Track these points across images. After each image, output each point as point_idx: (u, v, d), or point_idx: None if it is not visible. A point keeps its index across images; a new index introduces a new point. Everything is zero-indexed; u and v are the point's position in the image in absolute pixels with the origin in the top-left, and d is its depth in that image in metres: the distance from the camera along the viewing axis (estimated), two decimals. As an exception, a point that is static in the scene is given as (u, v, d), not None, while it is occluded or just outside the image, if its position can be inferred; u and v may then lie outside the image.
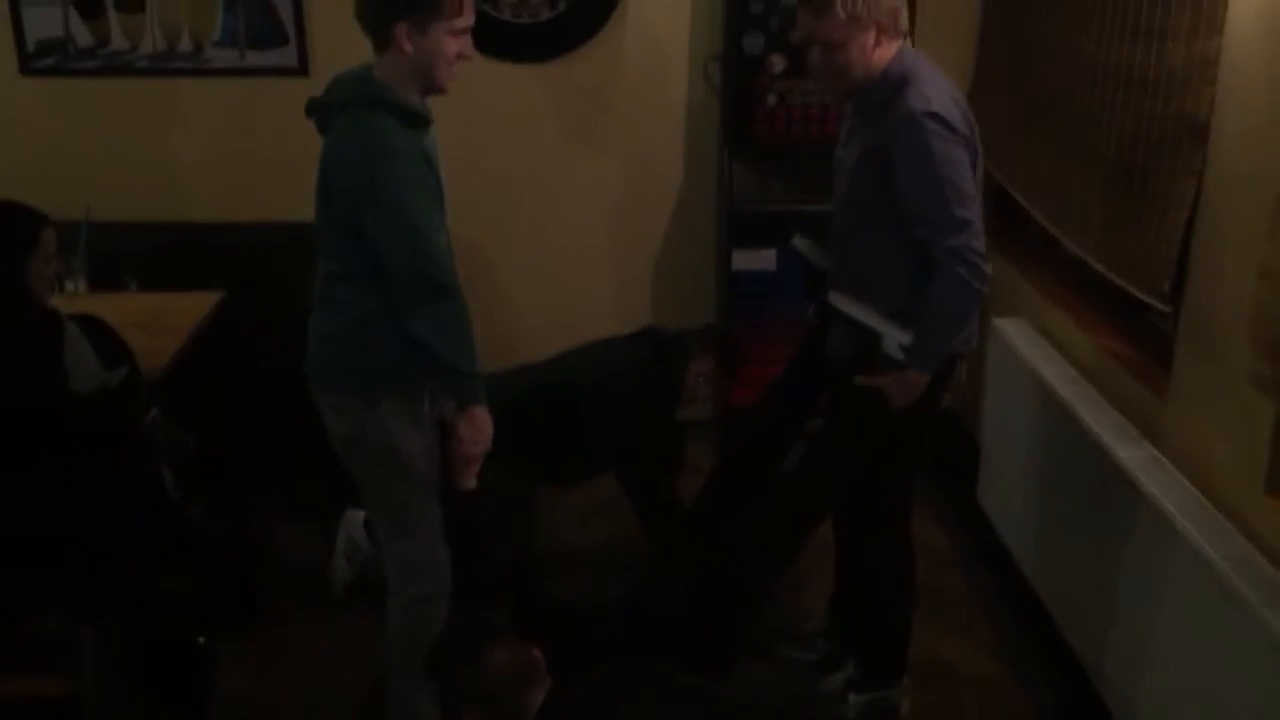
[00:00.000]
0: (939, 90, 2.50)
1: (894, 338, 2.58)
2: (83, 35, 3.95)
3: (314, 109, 2.40)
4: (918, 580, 2.92)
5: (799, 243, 2.89)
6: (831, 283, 2.73)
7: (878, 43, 2.46)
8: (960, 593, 3.42)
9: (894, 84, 2.49)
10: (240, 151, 4.06)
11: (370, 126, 2.27)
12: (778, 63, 3.85)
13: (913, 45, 3.56)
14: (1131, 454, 2.67)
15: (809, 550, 2.97)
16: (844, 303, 2.66)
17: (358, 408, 2.42)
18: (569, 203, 4.18)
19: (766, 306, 3.89)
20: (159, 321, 3.28)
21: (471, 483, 2.44)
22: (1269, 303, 2.18)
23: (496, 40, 3.89)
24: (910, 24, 3.67)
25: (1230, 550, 2.29)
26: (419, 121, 2.35)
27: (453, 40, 2.33)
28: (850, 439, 2.73)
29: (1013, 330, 3.45)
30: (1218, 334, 2.45)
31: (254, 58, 3.99)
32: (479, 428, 2.39)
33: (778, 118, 3.90)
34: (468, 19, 2.35)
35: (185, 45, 3.97)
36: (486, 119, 4.00)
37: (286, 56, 3.98)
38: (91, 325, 2.63)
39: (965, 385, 4.07)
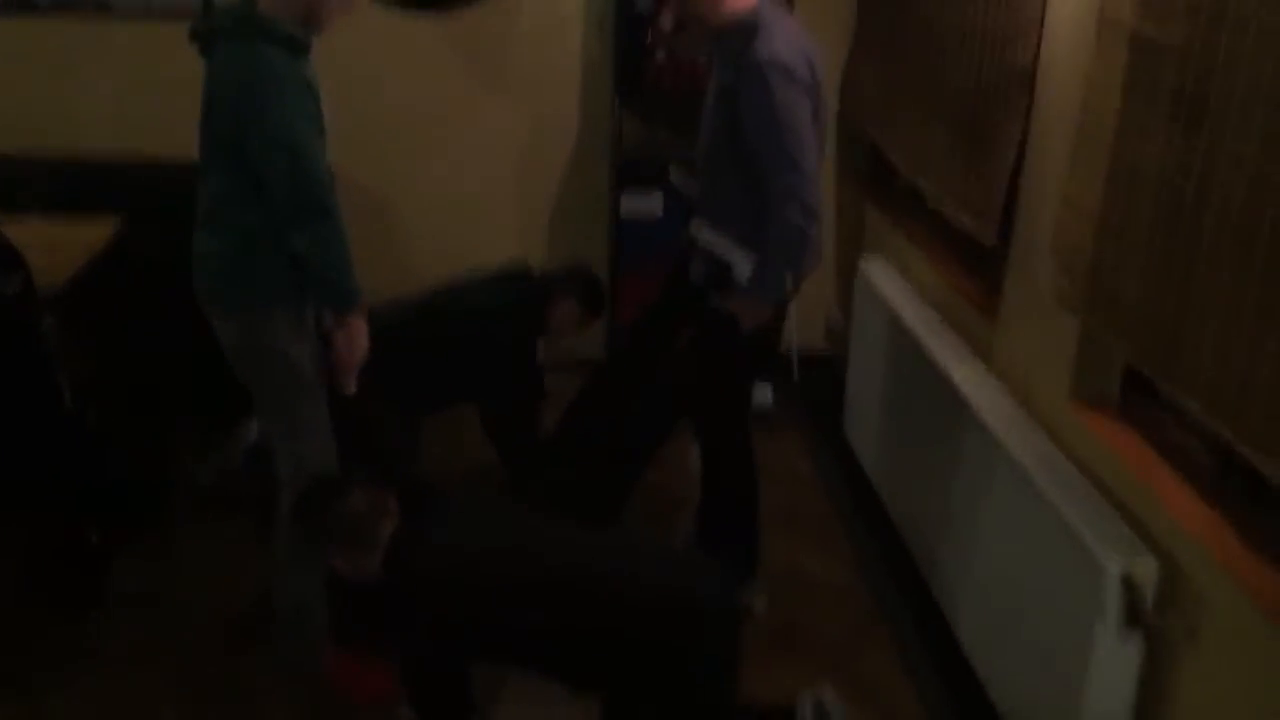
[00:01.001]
0: (785, 40, 2.73)
1: (744, 266, 2.82)
2: (-15, -29, 4.02)
3: (198, 35, 2.52)
4: (759, 491, 3.16)
5: (673, 174, 3.12)
6: (695, 211, 2.96)
7: None
8: (823, 514, 3.68)
9: (746, 32, 2.73)
10: (140, 87, 4.15)
11: (254, 53, 2.39)
12: (667, 20, 4.05)
13: (792, 8, 3.83)
14: (963, 373, 2.94)
15: (680, 481, 3.21)
16: (702, 231, 2.90)
17: (246, 319, 2.57)
18: (468, 149, 4.35)
19: (652, 249, 4.10)
20: (59, 243, 3.39)
21: (351, 388, 2.63)
22: (1068, 225, 2.44)
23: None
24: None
25: (1039, 452, 2.56)
26: (300, 49, 2.47)
27: None
28: (706, 361, 2.97)
29: (876, 269, 3.71)
30: (1038, 262, 2.71)
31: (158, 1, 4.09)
32: (354, 337, 2.57)
33: (665, 72, 4.10)
34: None
35: (90, -15, 4.06)
36: (389, 66, 4.14)
37: (192, -2, 4.08)
38: (-16, 235, 2.75)
39: (839, 325, 4.35)
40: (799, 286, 2.90)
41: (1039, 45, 2.72)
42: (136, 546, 3.24)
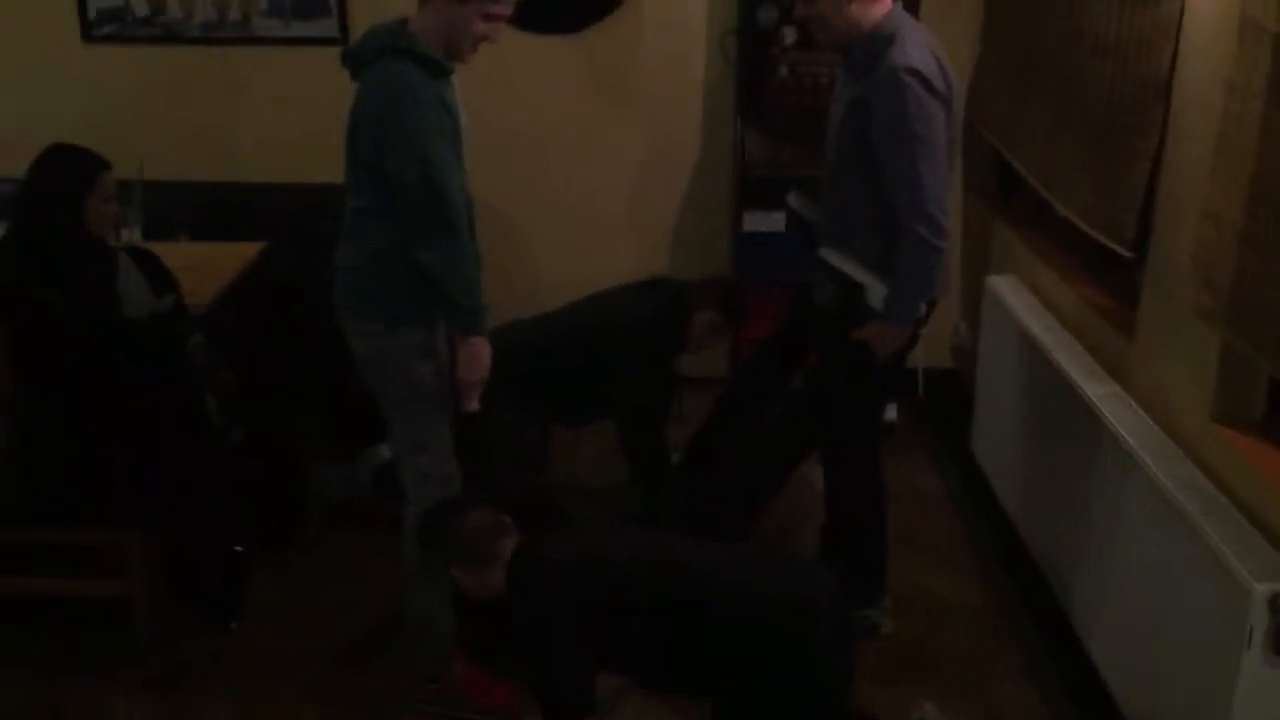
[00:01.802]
0: (922, 49, 2.70)
1: (877, 290, 2.77)
2: (140, 5, 4.24)
3: (349, 57, 2.63)
4: (889, 510, 3.12)
5: (791, 198, 3.08)
6: (820, 236, 2.93)
7: (865, 3, 2.67)
8: (950, 532, 3.63)
9: (881, 42, 2.69)
10: (283, 116, 4.33)
11: (396, 73, 2.49)
12: (789, 35, 4.04)
13: (918, 18, 3.79)
14: (1099, 392, 2.86)
15: (803, 498, 3.20)
16: (831, 255, 2.85)
17: (378, 333, 2.65)
18: (593, 167, 4.42)
19: (775, 267, 4.09)
20: (206, 267, 3.55)
21: (474, 406, 2.67)
22: (1209, 238, 2.37)
23: (524, 12, 4.09)
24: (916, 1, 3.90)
25: (1178, 474, 2.47)
26: (440, 71, 2.56)
27: (482, 21, 2.55)
28: (839, 385, 2.93)
29: (1005, 286, 3.64)
30: (1175, 277, 2.63)
31: (299, 28, 4.26)
32: (476, 356, 2.60)
33: (789, 88, 4.09)
34: (503, 8, 2.57)
35: (235, 15, 4.26)
36: (516, 87, 4.24)
37: (328, 27, 4.25)
38: (143, 257, 2.91)
39: (966, 342, 4.28)
40: (933, 308, 2.86)
41: (1175, 53, 2.64)
42: (275, 559, 3.36)
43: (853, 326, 2.81)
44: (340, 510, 3.64)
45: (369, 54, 2.58)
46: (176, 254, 3.47)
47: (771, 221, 4.12)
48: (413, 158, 2.47)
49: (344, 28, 4.23)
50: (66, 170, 2.80)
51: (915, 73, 2.63)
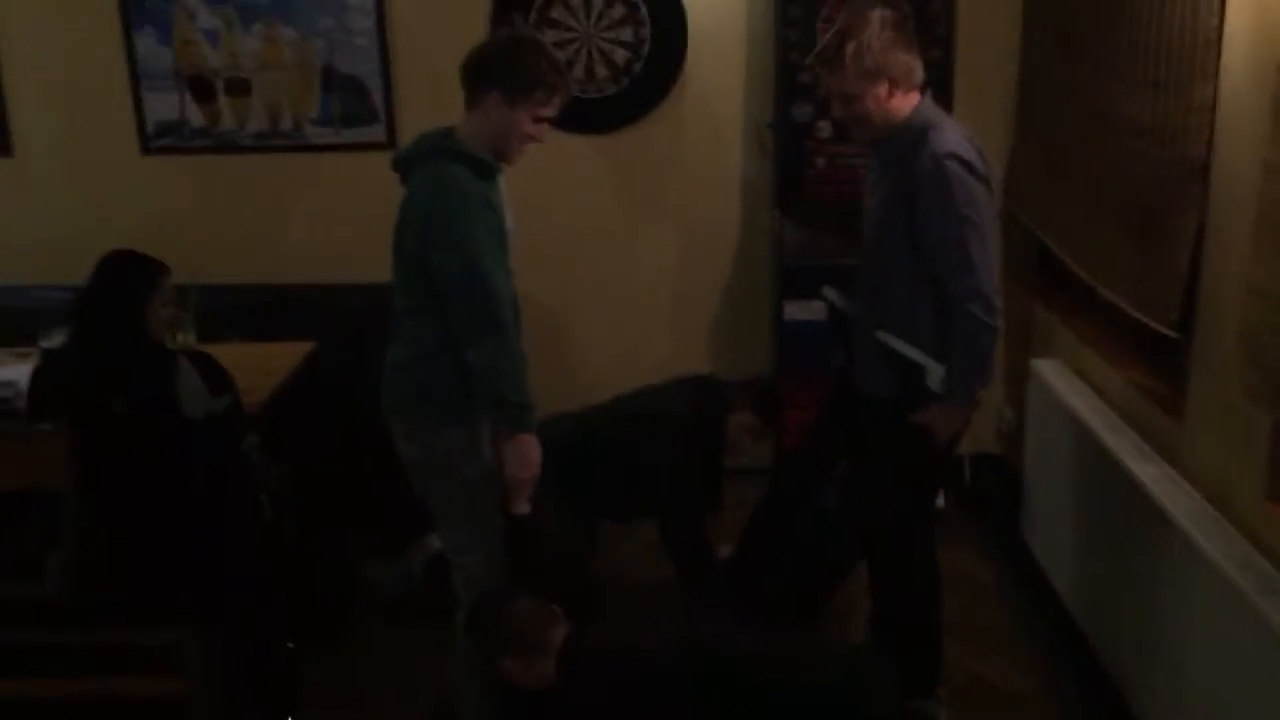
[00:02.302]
0: (959, 136, 2.76)
1: (936, 371, 2.77)
2: (196, 117, 4.41)
3: (399, 162, 2.72)
4: (943, 599, 3.09)
5: (827, 291, 3.12)
6: (863, 326, 2.94)
7: (891, 94, 2.73)
8: (1003, 621, 3.58)
9: (916, 131, 2.75)
10: (334, 219, 4.45)
11: (444, 173, 2.57)
12: (825, 129, 4.12)
13: (952, 107, 3.85)
14: (1150, 473, 2.84)
15: (852, 581, 3.17)
16: (890, 339, 2.84)
17: (424, 433, 2.68)
18: (633, 262, 4.49)
19: (817, 356, 4.11)
20: (258, 366, 3.61)
21: (524, 507, 2.66)
22: (1257, 317, 2.37)
23: (566, 113, 4.19)
24: (949, 84, 3.98)
25: (1236, 554, 2.44)
26: (488, 172, 2.64)
27: (531, 123, 2.63)
28: (896, 474, 2.91)
29: (1050, 371, 3.64)
30: (1223, 357, 2.62)
31: (348, 134, 4.40)
32: (526, 454, 2.59)
33: (825, 179, 4.16)
34: (552, 110, 2.66)
35: (286, 124, 4.40)
36: (556, 186, 4.34)
37: (376, 133, 4.38)
38: (200, 359, 2.97)
39: (1011, 426, 4.26)
40: (985, 390, 2.86)
41: (1212, 135, 2.67)
42: (328, 653, 3.37)
43: (911, 411, 2.81)
44: (395, 606, 3.65)
45: (419, 157, 2.66)
46: (228, 354, 3.52)
47: (812, 310, 4.14)
48: (460, 255, 2.52)
49: (391, 133, 4.36)
50: (129, 274, 2.89)
51: (957, 157, 2.68)
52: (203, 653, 3.02)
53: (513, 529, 2.75)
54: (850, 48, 2.70)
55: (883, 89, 2.72)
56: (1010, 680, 3.27)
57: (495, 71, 2.60)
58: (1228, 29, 2.59)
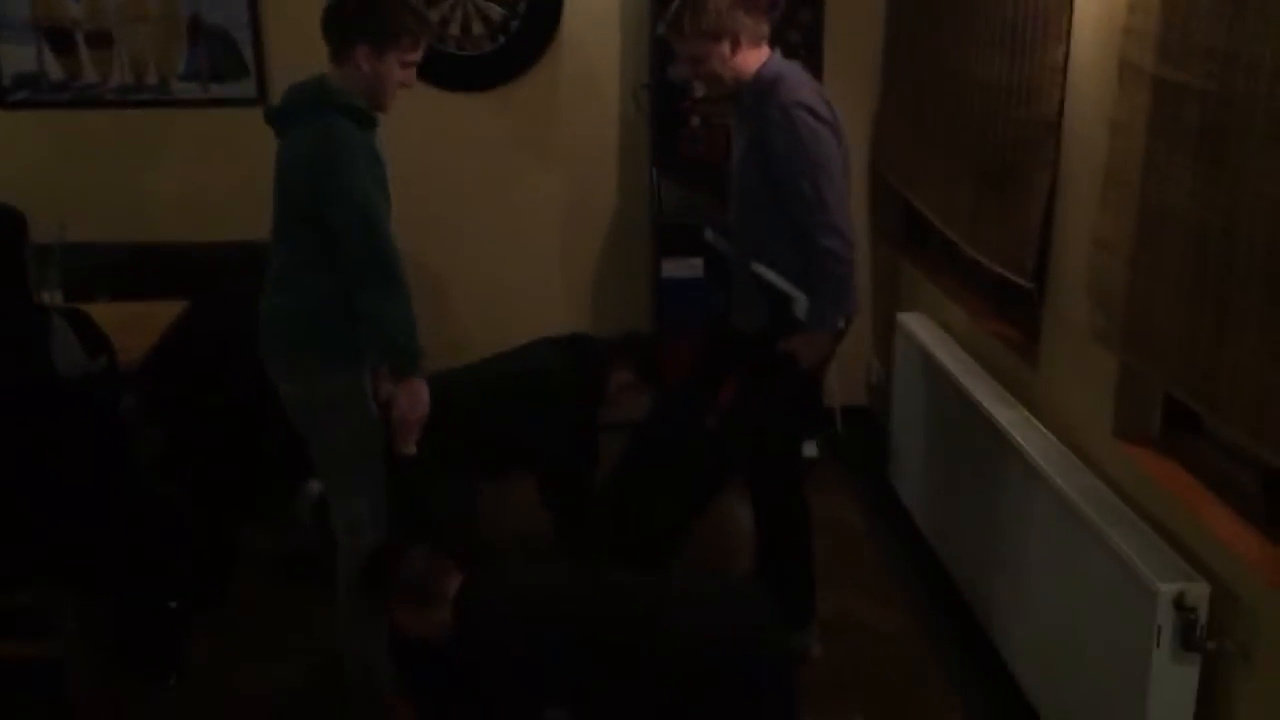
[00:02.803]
0: (807, 87, 2.93)
1: (801, 301, 2.92)
2: (55, 70, 4.25)
3: (274, 115, 2.70)
4: (814, 537, 3.24)
5: (707, 234, 3.29)
6: (738, 265, 3.07)
7: (735, 52, 2.89)
8: (873, 562, 3.75)
9: (766, 83, 2.91)
10: (202, 176, 4.36)
11: (326, 125, 2.57)
12: (699, 89, 4.20)
13: (821, 70, 3.98)
14: (1007, 416, 3.02)
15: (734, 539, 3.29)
16: (763, 271, 2.98)
17: (308, 378, 2.71)
18: (513, 219, 4.51)
19: (694, 311, 4.21)
20: (131, 326, 3.53)
21: (410, 449, 2.71)
22: (1101, 265, 2.54)
23: (443, 71, 4.22)
24: (819, 47, 4.11)
25: (1083, 486, 2.62)
26: (369, 121, 2.66)
27: (401, 70, 2.68)
28: (766, 400, 3.04)
29: (915, 323, 3.80)
30: (1074, 303, 2.80)
31: (216, 90, 4.30)
32: (416, 396, 2.64)
33: (701, 138, 4.25)
34: (417, 55, 2.71)
35: (151, 78, 4.28)
36: (435, 143, 4.33)
37: (246, 89, 4.30)
38: (75, 317, 2.90)
39: (880, 379, 4.44)
40: (849, 325, 3.00)
41: (1063, 94, 2.83)
42: (209, 613, 3.35)
43: (779, 339, 2.94)
44: (277, 566, 3.65)
45: (296, 110, 2.65)
46: (100, 314, 3.45)
47: (689, 268, 4.25)
48: (350, 207, 2.54)
49: (262, 88, 4.28)
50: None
51: (803, 105, 2.85)
52: (79, 614, 2.98)
53: (399, 472, 2.79)
54: (689, 14, 2.87)
55: (725, 48, 2.88)
56: (881, 617, 3.43)
57: (357, 24, 2.63)
58: (1078, -7, 2.75)
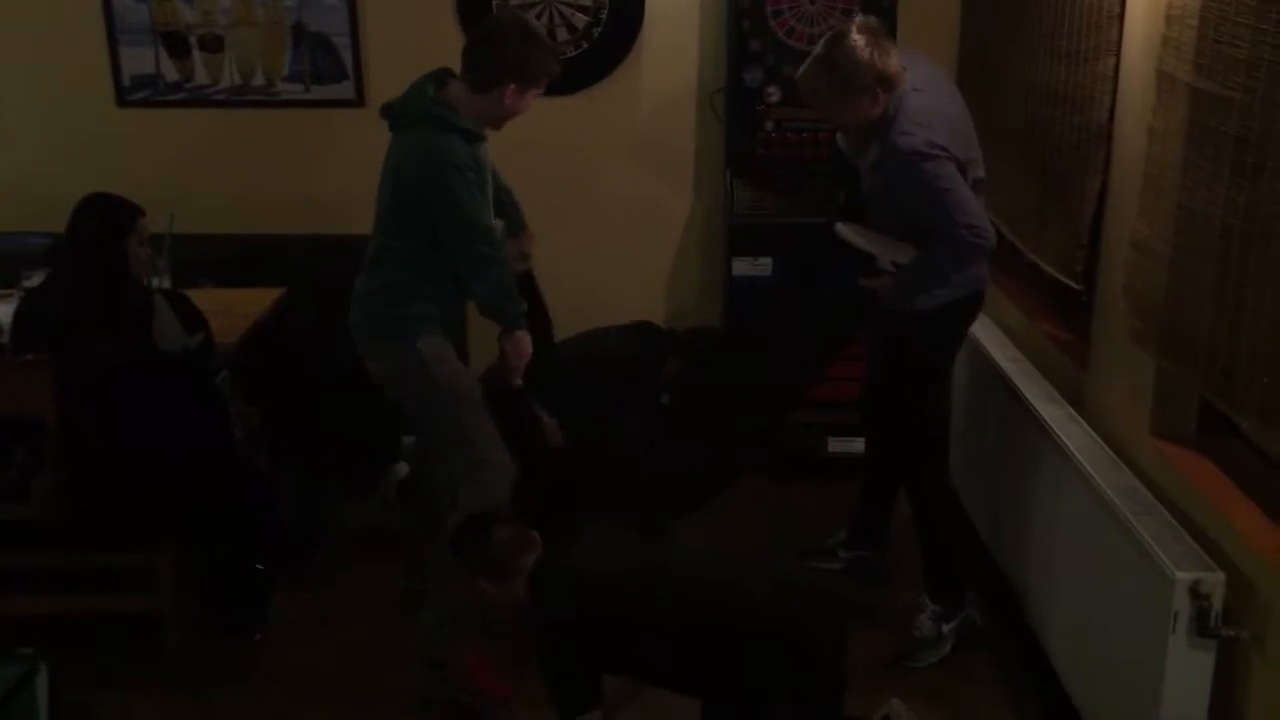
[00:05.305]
0: (919, 116, 2.90)
1: (902, 254, 3.00)
2: (170, 72, 4.56)
3: (391, 114, 2.98)
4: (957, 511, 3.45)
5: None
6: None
7: (876, 98, 2.89)
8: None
9: (886, 120, 2.93)
10: (303, 172, 4.63)
11: (438, 144, 2.89)
12: (774, 93, 4.32)
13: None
14: (1052, 413, 3.10)
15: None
16: (846, 230, 3.08)
17: (396, 349, 3.00)
18: (592, 218, 4.69)
19: (761, 308, 4.32)
20: (230, 310, 3.82)
21: (518, 383, 3.10)
22: (1138, 267, 2.62)
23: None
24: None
25: (1117, 481, 2.70)
26: (476, 139, 2.97)
27: (528, 102, 3.02)
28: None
29: (976, 325, 3.87)
30: (1116, 306, 2.88)
31: (317, 91, 4.57)
32: (520, 344, 3.05)
33: (774, 142, 4.38)
34: (541, 89, 3.04)
35: (258, 80, 4.57)
36: (525, 144, 4.47)
37: (345, 90, 4.55)
38: (175, 298, 3.18)
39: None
40: (972, 318, 3.21)
41: (1114, 102, 2.92)
42: (297, 577, 3.60)
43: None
44: (364, 542, 3.89)
45: (411, 117, 2.94)
46: (202, 299, 3.74)
47: (758, 267, 4.39)
48: (459, 216, 2.90)
49: (360, 90, 4.54)
50: (106, 215, 3.09)
51: (919, 154, 2.87)
52: (176, 573, 3.25)
53: (507, 406, 3.16)
54: (837, 75, 2.87)
55: (867, 99, 2.89)
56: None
57: (512, 65, 2.93)
58: (1128, 7, 2.83)
